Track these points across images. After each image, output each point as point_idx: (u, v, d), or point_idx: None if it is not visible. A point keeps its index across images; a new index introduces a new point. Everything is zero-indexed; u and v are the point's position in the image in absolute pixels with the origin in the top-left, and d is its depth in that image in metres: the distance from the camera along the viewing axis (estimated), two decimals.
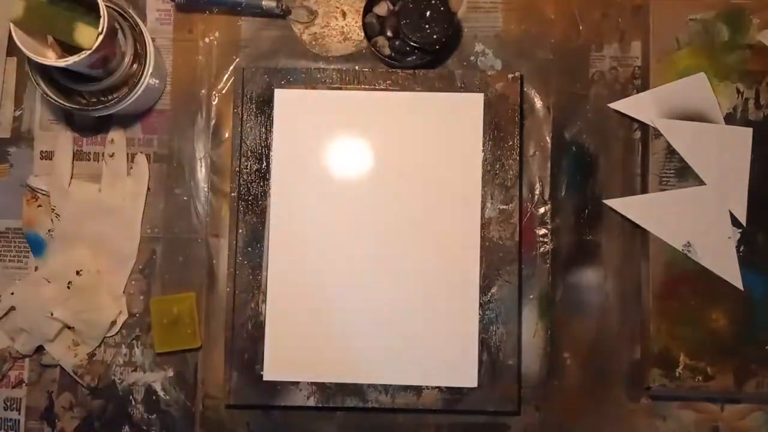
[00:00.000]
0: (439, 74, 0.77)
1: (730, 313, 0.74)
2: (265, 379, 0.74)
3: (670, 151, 0.75)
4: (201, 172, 0.78)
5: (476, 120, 0.76)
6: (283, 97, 0.77)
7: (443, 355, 0.74)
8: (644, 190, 0.76)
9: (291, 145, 0.76)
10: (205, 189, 0.78)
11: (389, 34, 0.76)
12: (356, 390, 0.74)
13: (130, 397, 0.76)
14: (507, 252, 0.75)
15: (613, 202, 0.77)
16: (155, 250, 0.78)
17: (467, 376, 0.74)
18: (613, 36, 0.79)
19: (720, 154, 0.75)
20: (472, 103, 0.76)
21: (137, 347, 0.77)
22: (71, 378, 0.76)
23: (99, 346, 0.77)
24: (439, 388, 0.74)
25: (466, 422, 0.76)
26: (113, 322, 0.76)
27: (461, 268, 0.75)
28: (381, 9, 0.76)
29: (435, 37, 0.72)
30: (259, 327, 0.75)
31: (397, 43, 0.75)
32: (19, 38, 0.66)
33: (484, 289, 0.74)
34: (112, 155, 0.77)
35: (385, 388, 0.74)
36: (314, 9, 0.80)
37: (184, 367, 0.77)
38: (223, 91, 0.79)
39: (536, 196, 0.77)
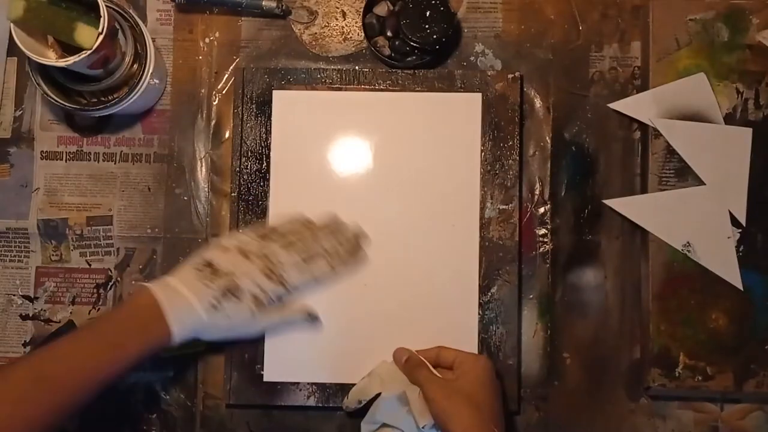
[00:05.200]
0: (439, 74, 0.77)
1: (729, 313, 0.74)
2: (265, 380, 0.74)
3: (670, 151, 0.75)
4: (201, 172, 0.79)
5: (475, 120, 0.76)
6: (281, 98, 0.77)
7: None
8: (644, 190, 0.76)
9: (291, 146, 0.76)
10: (206, 189, 0.78)
11: (389, 34, 0.76)
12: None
13: (131, 396, 0.76)
14: (507, 252, 0.75)
15: (613, 202, 0.77)
16: (155, 250, 0.78)
17: None
18: (612, 36, 0.79)
19: (719, 154, 0.75)
20: (471, 103, 0.76)
21: None
22: None
23: None
24: None
25: None
26: None
27: (461, 269, 0.75)
28: (381, 9, 0.76)
29: (435, 37, 0.72)
30: None
31: (397, 43, 0.75)
32: (20, 38, 0.66)
33: (483, 289, 0.74)
34: None
35: None
36: (314, 9, 0.80)
37: (184, 366, 0.77)
38: (224, 92, 0.79)
39: (536, 196, 0.77)
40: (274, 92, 0.77)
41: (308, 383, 0.74)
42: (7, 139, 0.79)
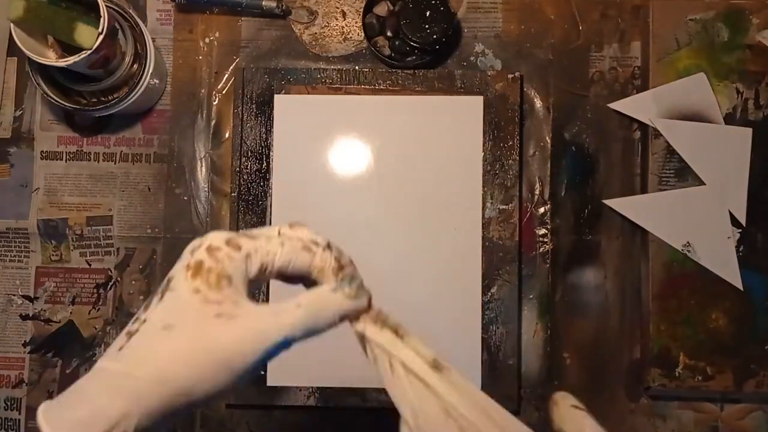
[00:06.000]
0: (439, 74, 0.77)
1: (729, 313, 0.74)
2: (268, 384, 0.74)
3: (670, 151, 0.75)
4: (201, 172, 0.79)
5: (476, 122, 0.76)
6: (283, 102, 0.77)
7: (446, 358, 0.74)
8: (644, 190, 0.76)
9: (291, 147, 0.77)
10: (206, 189, 0.78)
11: (389, 34, 0.76)
12: (356, 390, 0.74)
13: None
14: (507, 252, 0.75)
15: (613, 202, 0.77)
16: (155, 250, 0.78)
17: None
18: (612, 36, 0.79)
19: (719, 154, 0.75)
20: (472, 106, 0.76)
21: None
22: (71, 378, 0.77)
23: (99, 346, 0.77)
24: None
25: None
26: None
27: (464, 270, 0.75)
28: (381, 9, 0.76)
29: (435, 37, 0.72)
30: None
31: (397, 43, 0.75)
32: (20, 38, 0.66)
33: (483, 289, 0.75)
34: None
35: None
36: (314, 9, 0.80)
37: None
38: (224, 92, 0.79)
39: (536, 196, 0.77)
40: (276, 96, 0.77)
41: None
42: (7, 139, 0.79)
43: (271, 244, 0.42)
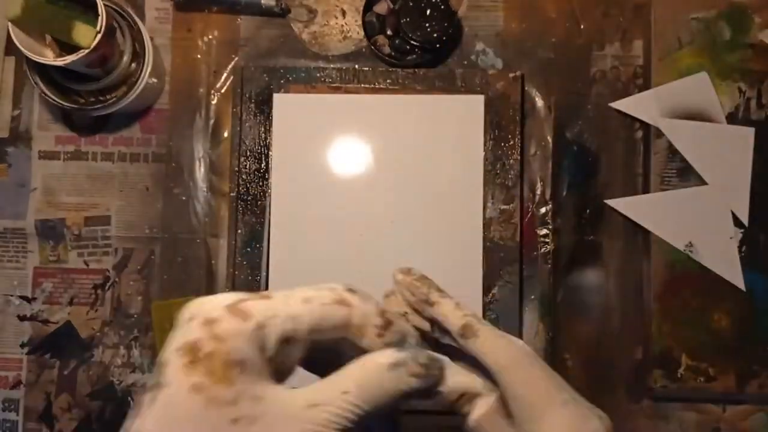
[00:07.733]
0: (440, 73, 0.76)
1: (732, 314, 0.74)
2: None
3: (672, 151, 0.75)
4: (200, 172, 0.78)
5: (477, 121, 0.76)
6: (282, 101, 0.76)
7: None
8: (646, 190, 0.76)
9: (291, 146, 0.76)
10: (204, 189, 0.78)
11: (389, 32, 0.76)
12: None
13: (129, 398, 0.76)
14: (508, 252, 0.75)
15: (615, 202, 0.76)
16: (153, 251, 0.77)
17: None
18: (614, 35, 0.78)
19: (722, 153, 0.75)
20: (473, 105, 0.76)
21: (135, 348, 0.77)
22: (69, 379, 0.76)
23: (97, 347, 0.77)
24: None
25: None
26: None
27: (463, 270, 0.74)
28: (381, 7, 0.76)
29: (435, 35, 0.71)
30: None
31: (397, 41, 0.75)
32: (18, 37, 0.66)
33: (484, 290, 0.74)
34: None
35: None
36: (314, 8, 0.79)
37: None
38: (222, 91, 0.78)
39: (537, 196, 0.77)
40: (275, 95, 0.76)
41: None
42: (5, 138, 0.79)
43: (290, 304, 0.31)
